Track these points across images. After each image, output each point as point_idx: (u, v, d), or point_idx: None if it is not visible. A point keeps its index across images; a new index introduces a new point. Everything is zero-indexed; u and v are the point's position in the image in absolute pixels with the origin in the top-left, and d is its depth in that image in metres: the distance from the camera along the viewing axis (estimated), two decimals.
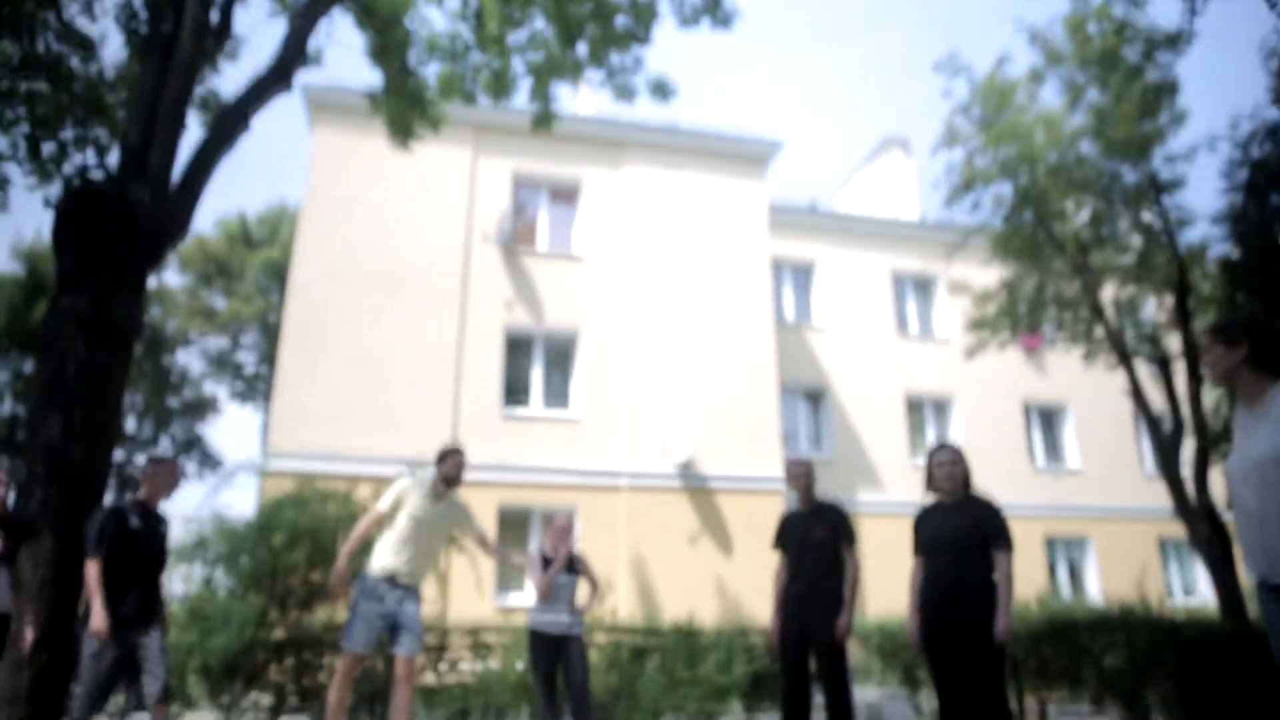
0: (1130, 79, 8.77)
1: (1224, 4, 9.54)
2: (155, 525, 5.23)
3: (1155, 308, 11.10)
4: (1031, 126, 9.55)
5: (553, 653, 5.93)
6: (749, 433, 15.05)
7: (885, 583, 12.97)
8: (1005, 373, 18.35)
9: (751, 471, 14.82)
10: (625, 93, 7.83)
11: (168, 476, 5.30)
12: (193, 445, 28.26)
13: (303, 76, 7.39)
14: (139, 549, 5.05)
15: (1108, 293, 10.34)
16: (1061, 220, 9.90)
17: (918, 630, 4.52)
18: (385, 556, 5.51)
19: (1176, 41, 8.66)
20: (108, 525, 4.98)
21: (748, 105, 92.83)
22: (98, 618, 4.73)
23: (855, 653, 9.10)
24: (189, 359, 28.33)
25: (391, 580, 5.47)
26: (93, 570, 4.79)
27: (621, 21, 7.49)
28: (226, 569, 8.18)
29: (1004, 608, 4.25)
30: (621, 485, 14.23)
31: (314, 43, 7.05)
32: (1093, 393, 18.62)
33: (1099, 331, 10.19)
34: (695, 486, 14.54)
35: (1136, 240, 10.05)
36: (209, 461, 28.39)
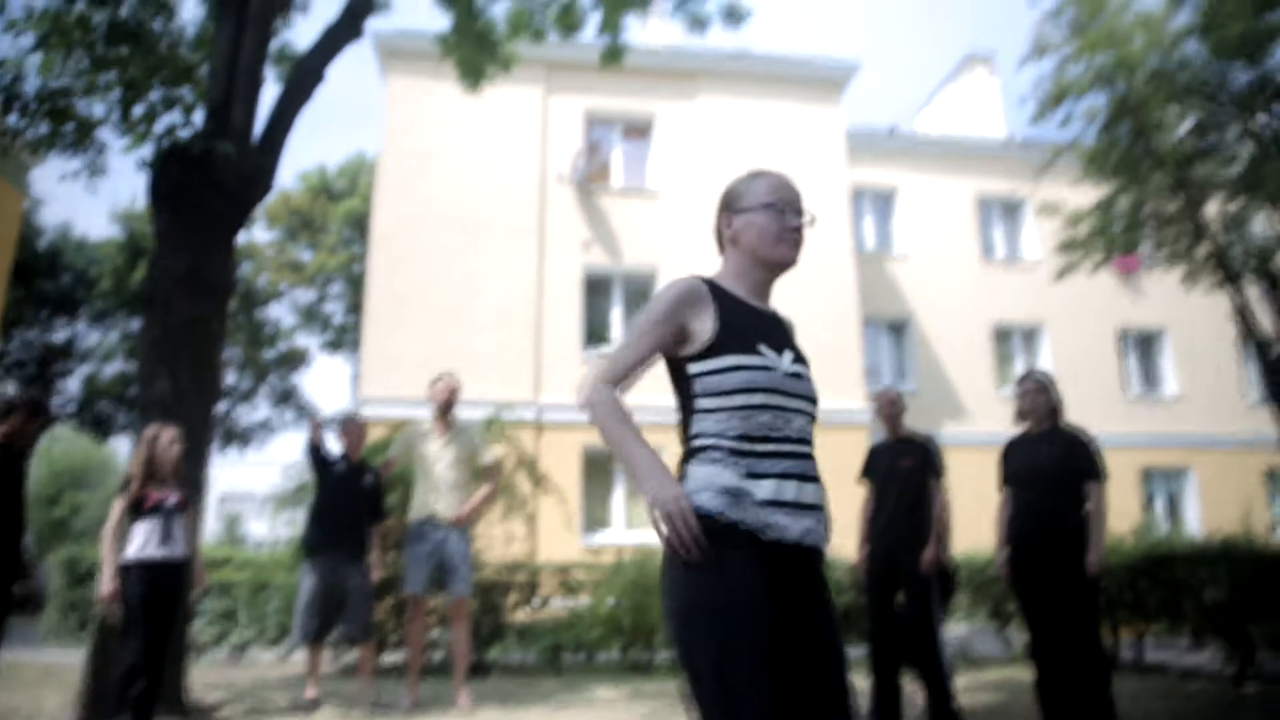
0: None
1: None
2: (359, 474, 5.83)
3: (1265, 222, 10.42)
4: (1129, 29, 8.93)
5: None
6: (830, 366, 14.85)
7: (972, 517, 12.75)
8: (1098, 298, 17.62)
9: (833, 405, 14.65)
10: (697, 21, 7.65)
11: (349, 431, 5.96)
12: (288, 396, 29.47)
13: (372, 24, 7.42)
14: (342, 492, 5.73)
15: (1212, 208, 9.74)
16: (1161, 131, 9.30)
17: (1006, 563, 4.46)
18: (417, 500, 5.84)
19: None
20: (316, 463, 5.80)
21: (822, 25, 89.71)
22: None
23: None
24: (280, 312, 29.38)
25: (431, 520, 5.74)
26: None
27: None
28: None
29: (1095, 541, 4.14)
30: None
31: None
32: (1193, 316, 17.75)
33: (1202, 250, 9.64)
34: None
35: (1245, 149, 9.41)
36: (304, 411, 29.60)
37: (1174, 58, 8.83)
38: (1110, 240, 10.09)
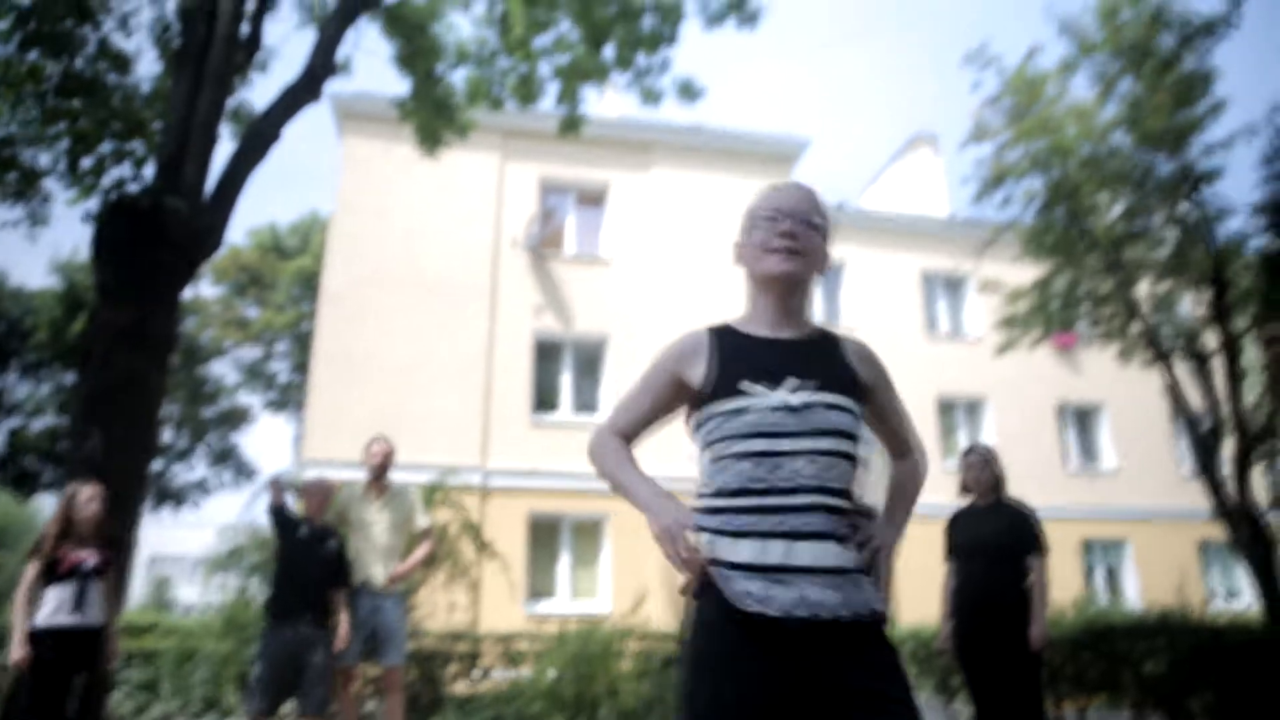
0: (1165, 68, 8.60)
1: None
2: (322, 539, 5.55)
3: (1192, 303, 10.89)
4: (1063, 119, 9.40)
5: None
6: None
7: (918, 588, 12.82)
8: (1039, 372, 18.10)
9: None
10: (652, 95, 7.84)
11: (313, 493, 5.69)
12: (227, 455, 28.66)
13: (331, 86, 7.48)
14: (304, 556, 5.43)
15: (1143, 289, 10.16)
16: (1094, 215, 9.73)
17: (950, 636, 4.47)
18: (354, 566, 5.66)
19: (1214, 28, 8.47)
20: (278, 525, 5.48)
21: (774, 104, 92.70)
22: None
23: None
24: (223, 369, 28.78)
25: (364, 586, 5.58)
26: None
27: (648, 22, 7.51)
28: (262, 578, 8.26)
29: (1039, 614, 4.19)
30: None
31: (342, 52, 7.14)
32: (1128, 392, 18.30)
33: (1134, 328, 10.01)
34: None
35: (1172, 234, 9.86)
36: (244, 471, 28.79)
37: (1104, 147, 9.30)
38: (1048, 317, 10.43)
